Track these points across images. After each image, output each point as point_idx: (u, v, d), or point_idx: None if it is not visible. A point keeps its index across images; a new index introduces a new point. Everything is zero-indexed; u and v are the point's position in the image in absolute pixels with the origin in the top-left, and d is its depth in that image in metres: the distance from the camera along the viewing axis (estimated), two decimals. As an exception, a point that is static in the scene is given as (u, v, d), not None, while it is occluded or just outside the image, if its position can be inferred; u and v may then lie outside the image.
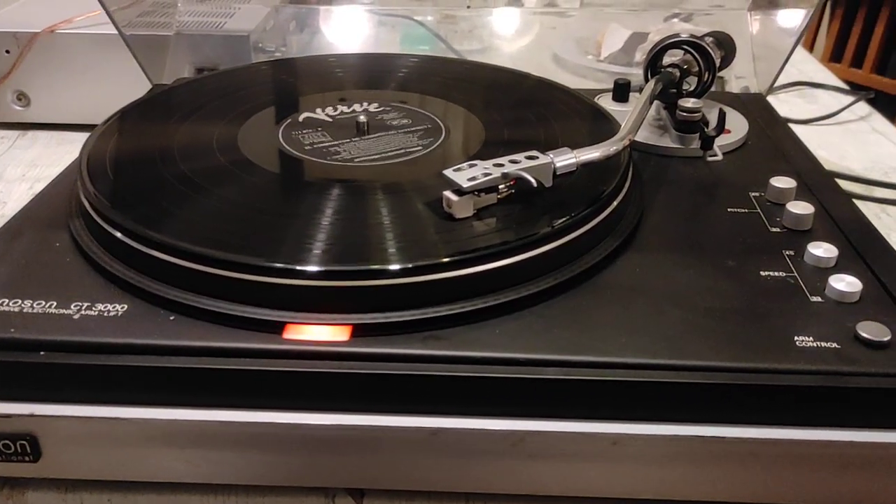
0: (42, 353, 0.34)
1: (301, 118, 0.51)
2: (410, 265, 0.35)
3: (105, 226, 0.39)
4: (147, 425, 0.34)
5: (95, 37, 0.71)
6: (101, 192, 0.41)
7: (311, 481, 0.36)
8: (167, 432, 0.34)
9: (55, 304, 0.36)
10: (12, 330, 0.34)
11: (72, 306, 0.36)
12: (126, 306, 0.36)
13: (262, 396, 0.34)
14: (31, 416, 0.34)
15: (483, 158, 0.40)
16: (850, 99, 0.82)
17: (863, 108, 0.81)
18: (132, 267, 0.38)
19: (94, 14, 0.72)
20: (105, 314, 0.36)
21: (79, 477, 0.36)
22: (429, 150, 0.47)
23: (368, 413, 0.34)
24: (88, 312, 0.36)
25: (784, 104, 0.63)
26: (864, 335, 0.34)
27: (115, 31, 0.66)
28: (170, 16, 0.72)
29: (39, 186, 0.64)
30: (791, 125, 0.58)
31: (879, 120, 0.79)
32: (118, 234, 0.38)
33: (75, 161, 0.51)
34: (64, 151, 0.72)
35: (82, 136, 0.76)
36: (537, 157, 0.39)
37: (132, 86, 0.64)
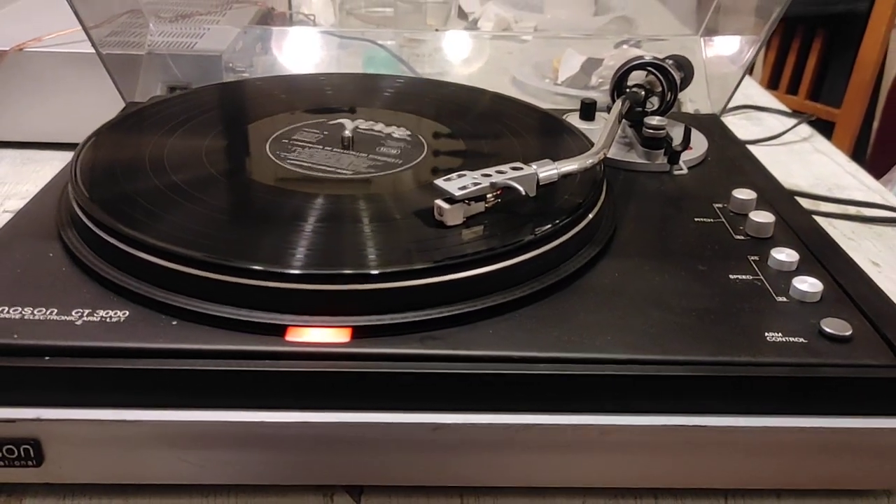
0: (47, 357, 0.34)
1: (287, 133, 0.52)
2: (406, 269, 0.37)
3: (103, 234, 0.40)
4: (150, 427, 0.35)
5: (65, 55, 0.71)
6: (96, 201, 0.42)
7: (311, 479, 0.37)
8: (170, 434, 0.35)
9: (56, 311, 0.37)
10: (15, 336, 0.35)
11: (73, 313, 0.37)
12: (128, 312, 0.37)
13: (265, 397, 0.35)
14: (36, 420, 0.34)
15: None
16: (793, 121, 0.87)
17: (805, 129, 0.86)
18: (132, 274, 0.38)
19: (64, 33, 0.72)
20: (107, 320, 0.36)
21: (80, 481, 0.37)
22: (414, 163, 0.49)
23: (369, 411, 0.35)
24: (90, 319, 0.36)
25: (732, 126, 0.66)
26: (829, 330, 0.37)
27: (85, 51, 0.67)
28: (139, 35, 0.73)
29: (10, 204, 0.65)
30: (743, 145, 0.62)
31: (820, 140, 0.84)
32: (118, 243, 0.39)
33: (58, 175, 0.51)
34: (30, 170, 0.72)
35: (48, 155, 0.76)
36: (522, 168, 0.42)
37: (99, 105, 0.64)
